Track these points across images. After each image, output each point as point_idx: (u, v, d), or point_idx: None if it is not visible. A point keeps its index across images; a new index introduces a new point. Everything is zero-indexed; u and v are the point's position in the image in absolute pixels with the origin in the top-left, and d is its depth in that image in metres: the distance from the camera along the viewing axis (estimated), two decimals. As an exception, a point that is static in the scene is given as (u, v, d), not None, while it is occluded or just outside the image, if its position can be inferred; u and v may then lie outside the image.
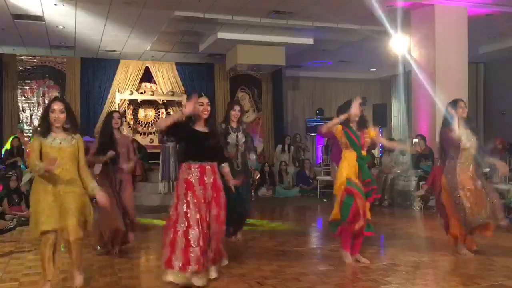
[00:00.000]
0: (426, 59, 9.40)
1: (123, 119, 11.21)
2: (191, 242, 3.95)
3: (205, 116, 4.26)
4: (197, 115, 4.24)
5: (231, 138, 5.72)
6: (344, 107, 4.95)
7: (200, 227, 4.02)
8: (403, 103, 13.38)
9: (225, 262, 4.52)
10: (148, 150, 11.86)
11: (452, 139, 5.09)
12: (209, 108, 4.27)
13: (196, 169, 4.15)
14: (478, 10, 9.49)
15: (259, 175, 11.76)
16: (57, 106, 3.82)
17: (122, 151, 5.45)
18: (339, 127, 4.87)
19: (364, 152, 4.89)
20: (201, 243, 3.98)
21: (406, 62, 10.08)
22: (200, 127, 4.27)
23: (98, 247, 5.46)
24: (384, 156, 10.74)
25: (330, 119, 5.21)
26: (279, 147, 13.09)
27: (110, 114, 5.60)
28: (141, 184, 10.46)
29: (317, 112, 15.05)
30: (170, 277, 3.98)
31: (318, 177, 11.59)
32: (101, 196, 3.94)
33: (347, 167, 4.80)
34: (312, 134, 14.72)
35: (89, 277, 4.39)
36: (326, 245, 5.82)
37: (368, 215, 4.80)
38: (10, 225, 6.92)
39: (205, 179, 4.16)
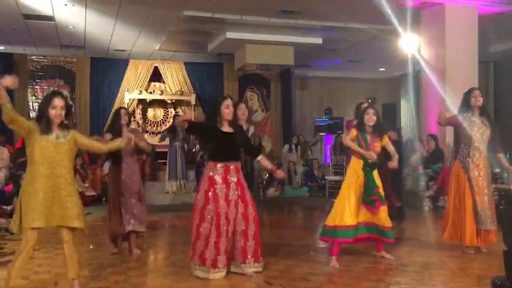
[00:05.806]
0: (435, 58, 9.34)
1: (131, 118, 11.16)
2: (204, 237, 4.21)
3: (230, 118, 4.43)
4: (222, 117, 4.40)
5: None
6: (357, 112, 4.95)
7: (215, 223, 4.21)
8: (412, 103, 13.28)
9: (258, 267, 4.39)
10: (157, 150, 11.90)
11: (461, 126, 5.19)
12: (233, 110, 4.48)
13: (221, 168, 4.35)
14: (489, 9, 9.41)
15: (267, 175, 11.75)
16: (59, 102, 3.71)
17: (130, 148, 5.32)
18: (354, 132, 4.88)
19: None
20: (215, 239, 4.19)
21: (416, 61, 10.01)
22: (225, 128, 4.44)
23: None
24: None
25: (339, 118, 5.22)
26: (286, 146, 13.08)
27: (117, 112, 5.51)
28: (149, 183, 10.50)
29: (326, 111, 15.00)
30: (197, 272, 4.25)
31: (326, 177, 11.56)
32: (127, 137, 4.17)
33: (352, 175, 4.82)
34: (321, 134, 14.69)
35: (98, 275, 4.43)
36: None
37: (388, 222, 4.79)
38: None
39: (229, 178, 4.34)
